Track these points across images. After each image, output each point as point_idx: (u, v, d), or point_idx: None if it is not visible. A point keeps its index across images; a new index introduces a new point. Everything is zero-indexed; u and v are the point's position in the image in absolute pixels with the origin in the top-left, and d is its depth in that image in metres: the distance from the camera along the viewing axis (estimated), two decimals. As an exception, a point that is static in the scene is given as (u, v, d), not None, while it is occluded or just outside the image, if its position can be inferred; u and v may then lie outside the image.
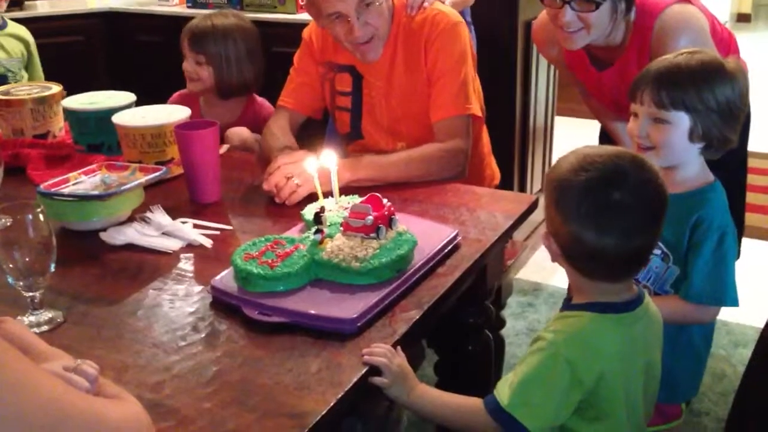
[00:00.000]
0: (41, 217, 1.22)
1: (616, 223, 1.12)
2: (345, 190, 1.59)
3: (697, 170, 1.46)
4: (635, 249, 1.16)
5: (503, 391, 1.16)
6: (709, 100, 1.37)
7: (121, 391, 0.84)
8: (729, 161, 1.50)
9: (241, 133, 2.15)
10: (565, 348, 1.15)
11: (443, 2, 2.03)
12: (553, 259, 1.22)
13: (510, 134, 3.14)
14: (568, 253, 1.18)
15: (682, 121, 1.39)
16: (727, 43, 1.98)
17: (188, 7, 3.76)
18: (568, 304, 1.26)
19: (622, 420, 1.20)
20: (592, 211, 1.12)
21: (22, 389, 0.68)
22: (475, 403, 1.19)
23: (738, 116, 1.41)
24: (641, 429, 1.28)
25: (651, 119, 1.41)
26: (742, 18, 7.39)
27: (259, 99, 2.35)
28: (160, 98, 2.29)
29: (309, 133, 2.14)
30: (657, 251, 1.45)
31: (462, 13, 2.15)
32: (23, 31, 3.14)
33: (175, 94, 2.36)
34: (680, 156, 1.43)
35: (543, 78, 3.28)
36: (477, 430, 1.19)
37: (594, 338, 1.17)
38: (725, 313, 2.63)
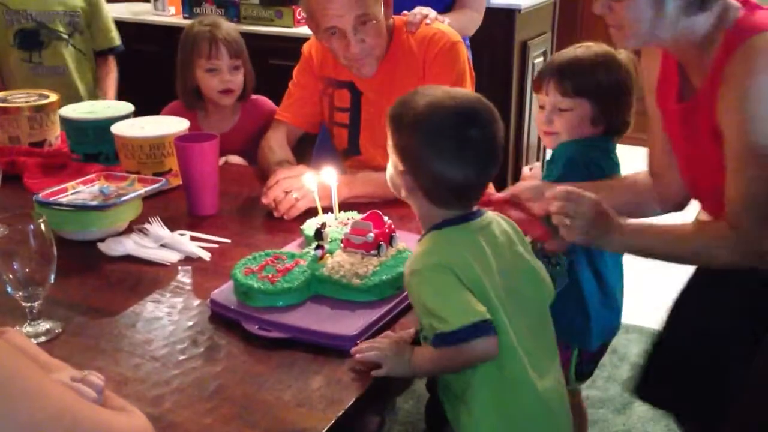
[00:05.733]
0: (43, 227, 1.22)
1: (474, 157, 1.18)
2: (343, 206, 1.60)
3: None
4: (489, 177, 1.23)
5: (431, 326, 1.12)
6: (603, 81, 1.62)
7: (127, 403, 0.85)
8: None
9: (231, 160, 2.13)
10: (426, 264, 1.16)
11: (442, 22, 2.05)
12: (404, 194, 1.23)
13: (504, 153, 3.16)
14: (429, 189, 1.20)
15: (583, 107, 1.62)
16: None
17: (184, 17, 3.76)
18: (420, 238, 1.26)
19: (504, 326, 1.16)
20: (454, 147, 1.17)
21: (34, 398, 0.68)
22: (432, 350, 1.14)
23: (628, 98, 1.64)
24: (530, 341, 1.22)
25: (556, 109, 1.64)
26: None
27: (254, 96, 2.29)
28: (155, 108, 2.28)
29: (297, 146, 2.13)
30: None
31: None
32: None
33: (170, 106, 2.31)
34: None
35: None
36: (458, 364, 1.15)
37: (442, 247, 1.19)
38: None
